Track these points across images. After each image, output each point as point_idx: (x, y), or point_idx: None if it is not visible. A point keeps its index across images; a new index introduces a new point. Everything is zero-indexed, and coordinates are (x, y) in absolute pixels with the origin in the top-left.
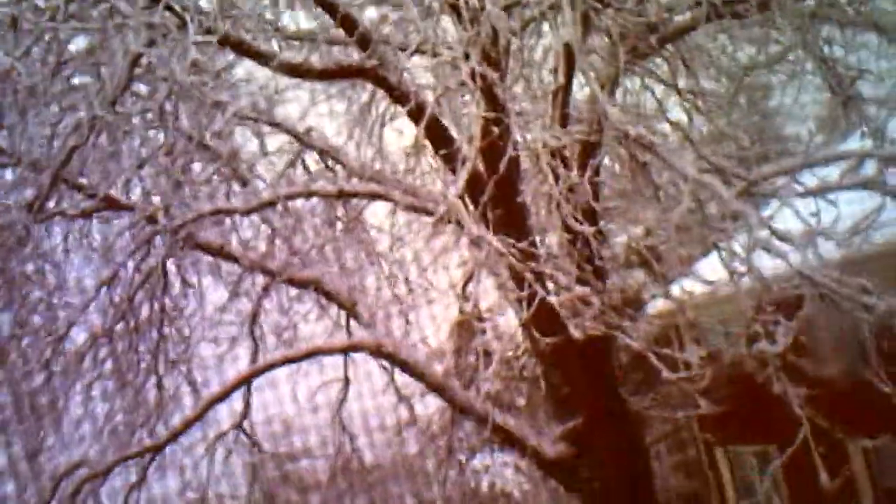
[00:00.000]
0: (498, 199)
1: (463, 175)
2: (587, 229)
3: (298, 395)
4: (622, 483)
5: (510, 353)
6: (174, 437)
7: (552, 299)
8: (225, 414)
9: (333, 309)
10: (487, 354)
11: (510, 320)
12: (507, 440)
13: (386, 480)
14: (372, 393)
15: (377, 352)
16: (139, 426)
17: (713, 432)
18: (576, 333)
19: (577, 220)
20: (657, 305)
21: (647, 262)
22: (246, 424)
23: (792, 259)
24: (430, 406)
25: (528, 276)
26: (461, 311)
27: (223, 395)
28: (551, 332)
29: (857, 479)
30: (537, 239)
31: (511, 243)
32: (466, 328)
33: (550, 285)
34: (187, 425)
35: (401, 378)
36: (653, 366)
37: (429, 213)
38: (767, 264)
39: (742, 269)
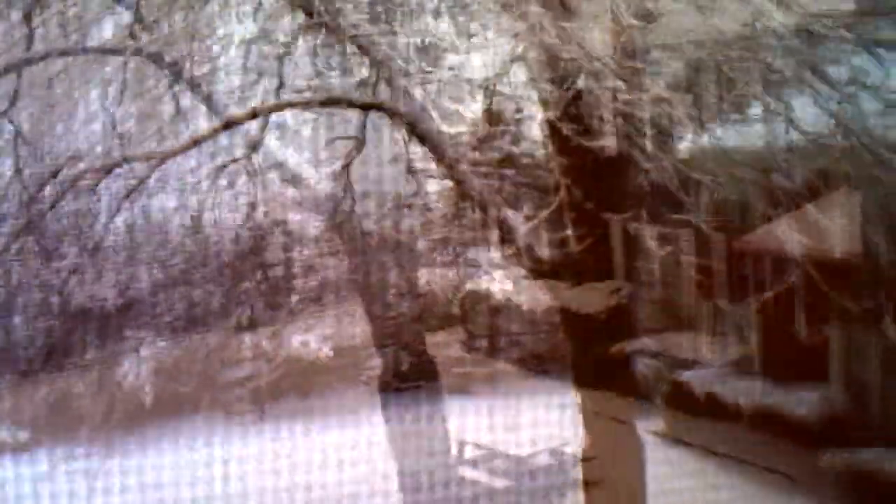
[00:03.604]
0: None
1: None
2: None
3: (307, 151)
4: None
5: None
6: (183, 149)
7: None
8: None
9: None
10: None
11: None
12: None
13: (379, 248)
14: (378, 162)
15: (397, 115)
16: (149, 136)
17: None
18: None
19: None
20: None
21: None
22: (255, 160)
23: None
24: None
25: None
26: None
27: (241, 120)
28: None
29: None
30: None
31: None
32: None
33: None
34: (197, 141)
35: None
36: None
37: None
38: None
39: None
